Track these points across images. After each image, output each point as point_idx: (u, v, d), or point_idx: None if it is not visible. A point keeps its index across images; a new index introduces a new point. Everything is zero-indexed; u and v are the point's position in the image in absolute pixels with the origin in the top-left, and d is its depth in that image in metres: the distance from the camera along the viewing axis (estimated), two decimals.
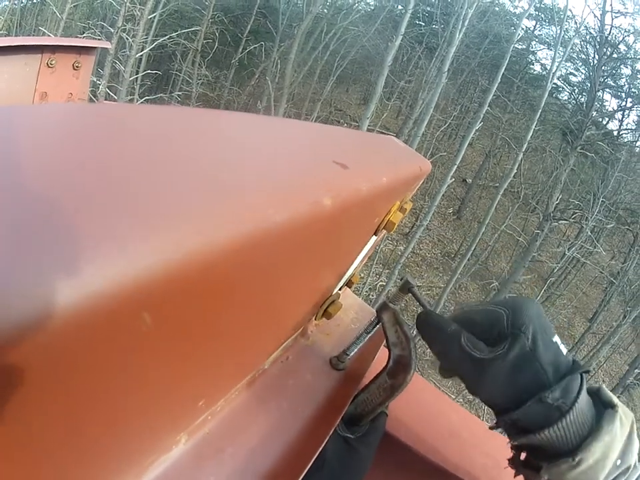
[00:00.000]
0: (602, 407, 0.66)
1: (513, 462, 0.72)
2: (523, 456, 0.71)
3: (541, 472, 0.65)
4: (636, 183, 17.95)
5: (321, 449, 0.67)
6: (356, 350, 0.86)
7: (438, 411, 1.10)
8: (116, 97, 13.87)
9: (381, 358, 0.82)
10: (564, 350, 0.66)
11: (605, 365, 17.79)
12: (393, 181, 0.65)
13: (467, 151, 18.68)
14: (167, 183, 0.35)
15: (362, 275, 14.74)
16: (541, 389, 0.63)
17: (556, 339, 0.66)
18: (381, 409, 0.80)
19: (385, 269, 15.44)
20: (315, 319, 0.85)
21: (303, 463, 0.63)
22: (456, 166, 12.76)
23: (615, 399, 0.68)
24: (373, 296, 14.98)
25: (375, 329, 0.83)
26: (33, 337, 0.24)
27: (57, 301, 0.24)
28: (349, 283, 0.97)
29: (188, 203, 0.33)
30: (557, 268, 16.42)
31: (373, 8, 20.56)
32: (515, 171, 13.94)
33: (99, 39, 14.64)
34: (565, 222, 17.24)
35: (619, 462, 0.65)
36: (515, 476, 0.71)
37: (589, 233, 16.00)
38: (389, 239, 17.08)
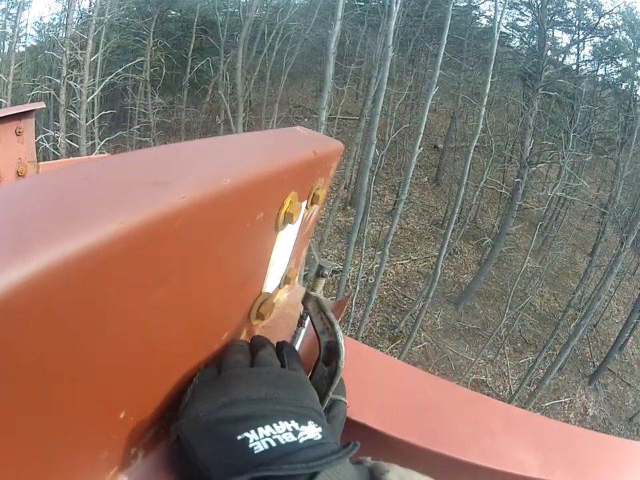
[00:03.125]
0: None
1: None
2: None
3: None
4: (604, 111, 18.00)
5: None
6: (299, 344, 0.87)
7: (411, 388, 1.03)
8: (77, 146, 13.82)
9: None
10: (285, 439, 0.57)
11: (616, 294, 17.83)
12: (263, 174, 0.66)
13: (433, 117, 18.73)
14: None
15: (355, 262, 14.77)
16: None
17: (253, 434, 0.58)
18: (328, 398, 0.79)
19: (377, 250, 15.44)
20: (252, 321, 0.86)
21: None
22: (421, 134, 12.74)
23: None
24: (371, 279, 14.99)
25: (307, 320, 0.84)
26: None
27: None
28: (287, 280, 0.97)
29: None
30: (545, 210, 16.44)
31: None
32: (482, 126, 13.92)
33: (47, 93, 14.64)
34: (543, 164, 17.27)
35: None
36: None
37: (569, 170, 16.02)
38: (374, 220, 17.10)
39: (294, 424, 0.60)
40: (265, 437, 0.57)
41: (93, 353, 0.47)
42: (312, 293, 0.80)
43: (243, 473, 0.53)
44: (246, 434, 0.57)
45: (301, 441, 0.58)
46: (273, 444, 0.56)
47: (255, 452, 0.55)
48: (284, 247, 0.86)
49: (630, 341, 16.94)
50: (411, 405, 0.99)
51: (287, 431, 0.58)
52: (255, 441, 0.56)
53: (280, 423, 0.59)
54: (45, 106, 3.10)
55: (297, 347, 0.87)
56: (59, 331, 0.40)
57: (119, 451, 0.58)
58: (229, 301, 0.76)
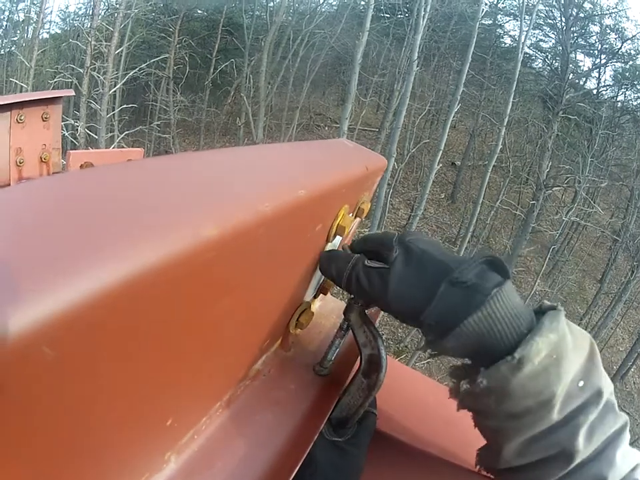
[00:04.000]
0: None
1: (454, 392, 0.66)
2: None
3: (478, 377, 0.57)
4: (622, 138, 17.98)
5: (305, 454, 0.68)
6: (335, 354, 0.87)
7: (434, 402, 1.06)
8: (96, 137, 13.88)
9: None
10: None
11: (622, 322, 17.75)
12: (327, 187, 0.67)
13: (452, 134, 18.67)
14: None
15: None
16: (450, 273, 0.60)
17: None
18: (364, 410, 0.80)
19: None
20: (290, 330, 0.87)
21: (290, 470, 0.65)
22: (441, 151, 12.75)
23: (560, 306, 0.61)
24: None
25: (348, 331, 0.84)
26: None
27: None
28: (323, 290, 0.98)
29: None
30: (558, 235, 16.40)
31: (336, 8, 20.60)
32: (500, 146, 13.94)
33: (70, 82, 14.71)
34: (559, 188, 17.23)
35: (581, 383, 0.58)
36: (458, 408, 0.66)
37: (584, 195, 15.98)
38: None
39: None
40: None
41: (161, 363, 0.47)
42: (355, 305, 0.80)
43: (479, 258, 0.62)
44: None
45: None
46: None
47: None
48: None
49: (632, 370, 16.85)
50: (435, 418, 1.03)
51: None
52: None
53: None
54: (74, 93, 3.11)
55: (333, 357, 0.88)
56: (132, 339, 0.40)
57: (155, 457, 0.58)
58: (278, 310, 0.77)
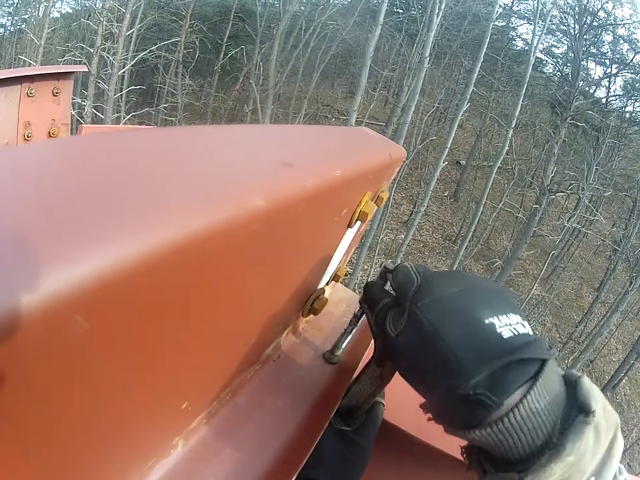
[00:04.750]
0: (575, 410, 0.52)
1: (467, 452, 0.61)
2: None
3: (486, 478, 0.54)
4: (629, 148, 17.97)
5: (316, 443, 0.67)
6: (347, 342, 0.86)
7: None
8: (102, 116, 13.84)
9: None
10: (520, 330, 0.56)
11: (616, 332, 17.76)
12: (356, 171, 0.65)
13: (458, 133, 18.65)
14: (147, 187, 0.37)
15: (365, 267, 14.76)
16: (451, 377, 0.53)
17: (497, 320, 0.55)
18: (374, 399, 0.79)
19: (388, 258, 15.38)
20: (303, 316, 0.86)
21: (300, 458, 0.65)
22: (447, 149, 12.72)
23: (594, 402, 0.52)
24: None
25: (362, 319, 0.83)
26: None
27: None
28: (335, 277, 0.97)
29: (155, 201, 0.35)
30: (559, 240, 16.39)
31: (349, 0, 20.55)
32: (507, 148, 13.89)
33: (79, 61, 14.67)
34: (562, 194, 17.20)
35: (592, 479, 0.51)
36: (466, 469, 0.60)
37: (587, 203, 15.97)
38: (389, 228, 17.05)
39: (520, 318, 0.57)
40: (506, 324, 0.55)
41: (187, 339, 0.46)
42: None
43: (500, 357, 0.51)
44: (492, 319, 0.55)
45: (529, 332, 0.56)
46: (515, 332, 0.54)
47: (504, 337, 0.53)
48: (345, 244, 0.86)
49: (624, 381, 16.86)
50: None
51: (517, 322, 0.56)
52: (500, 327, 0.54)
53: (511, 314, 0.57)
54: (87, 70, 3.09)
55: (344, 346, 0.87)
56: (164, 311, 0.38)
57: (163, 442, 0.57)
58: (295, 293, 0.76)
